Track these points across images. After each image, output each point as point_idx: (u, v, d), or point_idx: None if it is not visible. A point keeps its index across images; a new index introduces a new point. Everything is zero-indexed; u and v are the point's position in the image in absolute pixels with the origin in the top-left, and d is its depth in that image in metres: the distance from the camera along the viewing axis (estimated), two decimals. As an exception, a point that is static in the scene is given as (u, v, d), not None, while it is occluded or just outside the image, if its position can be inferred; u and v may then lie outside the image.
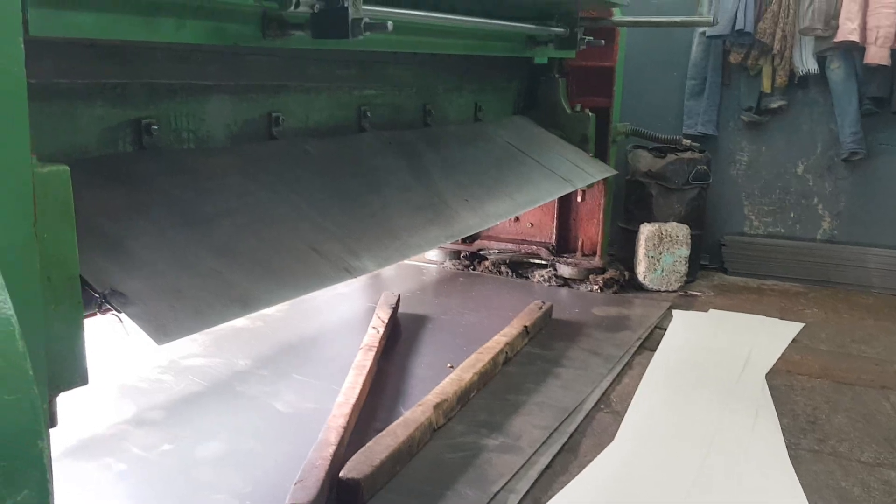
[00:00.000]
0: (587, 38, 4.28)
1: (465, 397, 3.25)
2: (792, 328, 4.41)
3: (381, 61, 3.48)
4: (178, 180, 2.30)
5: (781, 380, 3.67)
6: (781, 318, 4.58)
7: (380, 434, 2.77)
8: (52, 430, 1.52)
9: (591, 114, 4.76)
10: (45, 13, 1.66)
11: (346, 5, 2.19)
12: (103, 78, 2.18)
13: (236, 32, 2.21)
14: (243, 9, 2.20)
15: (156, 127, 2.33)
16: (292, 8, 2.11)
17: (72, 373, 1.58)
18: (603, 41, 4.44)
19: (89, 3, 1.78)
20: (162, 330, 1.69)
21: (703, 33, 5.44)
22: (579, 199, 5.13)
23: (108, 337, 3.58)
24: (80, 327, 1.60)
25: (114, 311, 1.70)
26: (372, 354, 3.51)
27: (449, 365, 3.60)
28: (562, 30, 4.08)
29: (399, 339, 4.03)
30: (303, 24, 2.27)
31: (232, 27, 2.19)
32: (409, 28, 3.01)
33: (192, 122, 2.52)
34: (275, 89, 2.89)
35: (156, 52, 2.34)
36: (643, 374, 3.68)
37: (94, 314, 1.75)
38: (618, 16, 4.60)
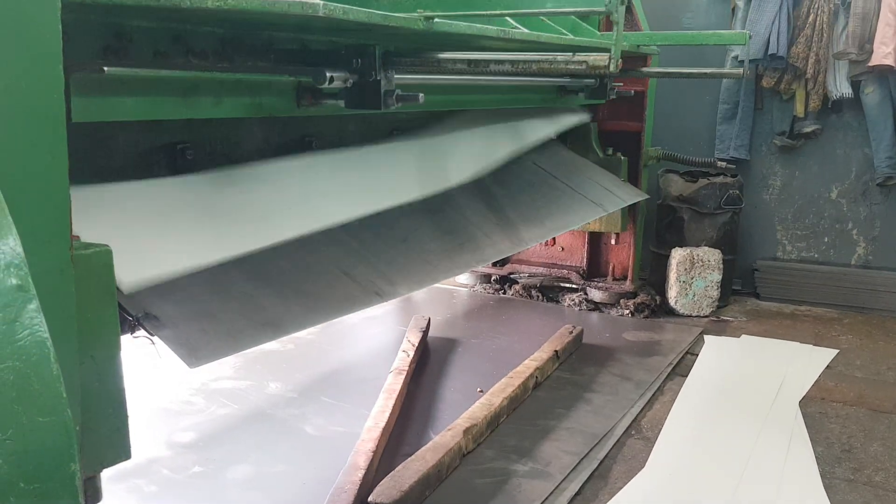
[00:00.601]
0: (617, 85, 4.30)
1: (494, 422, 3.24)
2: (826, 355, 4.33)
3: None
4: (212, 204, 2.32)
5: (815, 407, 3.61)
6: (815, 345, 4.51)
7: (409, 459, 2.77)
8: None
9: (623, 157, 4.74)
10: (88, 101, 1.72)
11: (378, 79, 2.24)
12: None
13: (271, 105, 2.28)
14: (279, 82, 2.26)
15: (190, 151, 2.37)
16: (327, 84, 2.16)
17: (116, 449, 1.58)
18: (633, 91, 4.47)
19: (130, 87, 1.84)
20: (194, 353, 1.71)
21: (736, 57, 5.42)
22: (613, 241, 5.13)
23: (141, 359, 3.63)
24: (124, 406, 1.59)
25: (147, 334, 1.73)
26: (402, 378, 3.51)
27: (479, 389, 3.59)
28: (592, 80, 4.09)
29: (429, 362, 4.03)
30: (336, 94, 2.33)
31: (268, 100, 2.27)
32: (440, 89, 3.05)
33: (226, 147, 2.55)
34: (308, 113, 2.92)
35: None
36: (675, 400, 3.63)
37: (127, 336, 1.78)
38: (654, 64, 4.61)
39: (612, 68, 2.25)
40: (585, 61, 2.27)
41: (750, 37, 3.61)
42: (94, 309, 1.51)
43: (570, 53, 2.38)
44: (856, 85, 5.19)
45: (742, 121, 5.54)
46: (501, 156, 3.73)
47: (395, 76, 2.34)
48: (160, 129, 2.29)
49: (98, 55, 1.82)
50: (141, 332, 1.74)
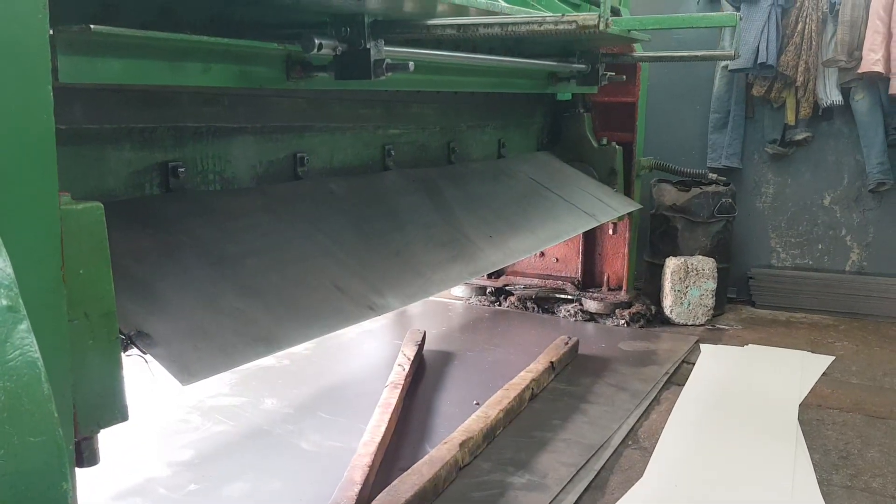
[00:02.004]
0: (609, 73, 4.30)
1: (491, 434, 3.23)
2: (822, 361, 4.34)
3: (405, 100, 3.52)
4: (204, 221, 2.33)
5: (812, 414, 3.61)
6: (811, 352, 4.52)
7: (405, 473, 2.76)
8: (85, 470, 1.54)
9: (618, 146, 4.78)
10: (75, 60, 1.70)
11: (367, 47, 2.23)
12: (131, 122, 2.23)
13: (261, 75, 2.26)
14: (268, 52, 2.25)
15: (182, 169, 2.37)
16: (315, 51, 2.15)
17: (111, 409, 1.58)
18: (624, 77, 4.46)
19: (117, 49, 1.82)
20: (186, 371, 1.71)
21: (726, 67, 5.45)
22: (611, 231, 5.12)
23: (135, 377, 3.63)
24: (118, 363, 1.59)
25: (140, 353, 1.72)
26: (398, 392, 3.50)
27: (475, 402, 3.59)
28: (583, 66, 4.10)
29: (425, 376, 4.02)
30: (326, 66, 2.32)
31: (257, 70, 2.24)
32: (431, 67, 3.06)
33: (218, 164, 2.56)
34: (300, 130, 2.94)
35: (182, 95, 2.39)
36: (671, 409, 3.63)
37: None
38: (639, 51, 4.62)
39: (601, 27, 2.21)
40: (575, 21, 2.23)
41: (740, 18, 3.56)
42: (88, 265, 1.50)
43: (560, 14, 2.36)
44: (846, 92, 5.22)
45: (733, 129, 5.57)
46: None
47: (385, 48, 2.34)
48: (152, 147, 2.30)
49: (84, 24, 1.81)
50: (134, 351, 1.73)
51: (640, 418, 3.53)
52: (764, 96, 5.41)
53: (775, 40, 5.19)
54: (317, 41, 2.14)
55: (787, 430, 3.41)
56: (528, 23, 2.26)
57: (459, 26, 2.32)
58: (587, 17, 2.21)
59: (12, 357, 1.05)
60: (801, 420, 3.52)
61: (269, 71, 2.27)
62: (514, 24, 2.27)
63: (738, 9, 5.27)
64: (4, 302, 1.08)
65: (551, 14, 2.34)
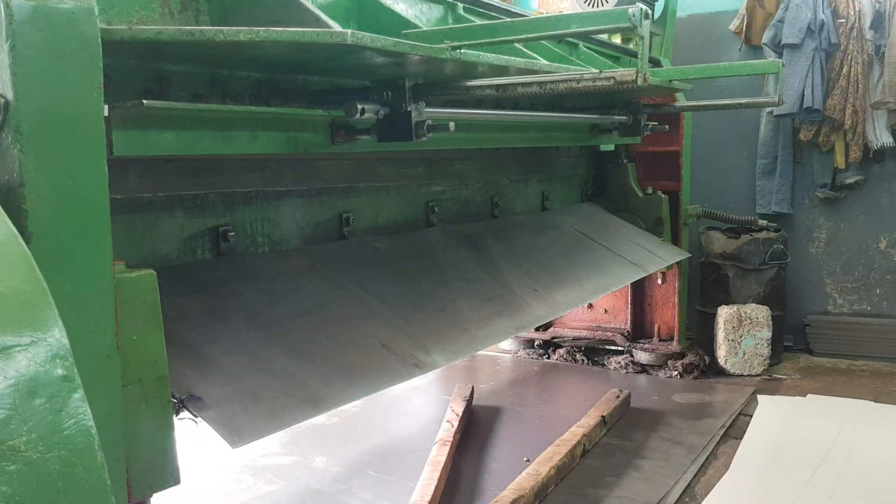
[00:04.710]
0: (651, 123, 4.29)
1: (542, 493, 3.18)
2: (886, 411, 4.19)
3: (448, 158, 3.57)
4: (253, 284, 2.37)
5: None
6: (874, 401, 4.37)
7: (456, 532, 2.73)
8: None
9: (663, 195, 4.76)
10: (128, 134, 1.78)
11: (408, 110, 2.28)
12: (182, 190, 2.30)
13: (306, 141, 2.32)
14: (313, 118, 2.32)
15: (232, 233, 2.43)
16: (358, 116, 2.20)
17: (164, 473, 1.61)
18: (667, 126, 4.46)
19: (168, 122, 1.90)
20: (237, 433, 1.73)
21: (771, 112, 5.41)
22: (659, 281, 5.05)
23: (186, 437, 3.66)
24: (171, 427, 1.63)
25: (191, 416, 1.75)
26: (447, 449, 3.48)
27: (525, 458, 3.54)
28: (625, 118, 4.10)
29: (474, 432, 3.99)
30: (369, 129, 2.37)
31: (302, 136, 2.31)
32: (472, 126, 3.10)
33: (266, 227, 2.62)
34: (345, 191, 2.99)
35: (231, 162, 2.46)
36: (729, 464, 3.54)
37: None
38: (681, 100, 4.62)
39: (639, 82, 2.21)
40: (613, 77, 2.25)
41: (783, 65, 3.51)
42: (142, 332, 1.56)
43: (598, 70, 2.37)
44: (896, 133, 5.14)
45: (782, 175, 5.50)
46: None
47: (426, 110, 2.37)
48: (203, 213, 2.37)
49: (138, 98, 1.88)
50: (185, 414, 1.76)
51: (696, 474, 3.45)
52: (812, 140, 5.35)
53: (821, 84, 5.14)
54: (359, 106, 2.19)
55: (852, 485, 3.29)
56: (566, 80, 2.28)
57: (498, 86, 2.35)
58: (625, 73, 2.22)
59: (67, 426, 1.07)
60: (868, 474, 3.39)
61: (314, 136, 2.34)
62: (552, 82, 2.29)
63: (780, 55, 5.25)
64: (60, 371, 1.11)
65: (589, 71, 2.36)
